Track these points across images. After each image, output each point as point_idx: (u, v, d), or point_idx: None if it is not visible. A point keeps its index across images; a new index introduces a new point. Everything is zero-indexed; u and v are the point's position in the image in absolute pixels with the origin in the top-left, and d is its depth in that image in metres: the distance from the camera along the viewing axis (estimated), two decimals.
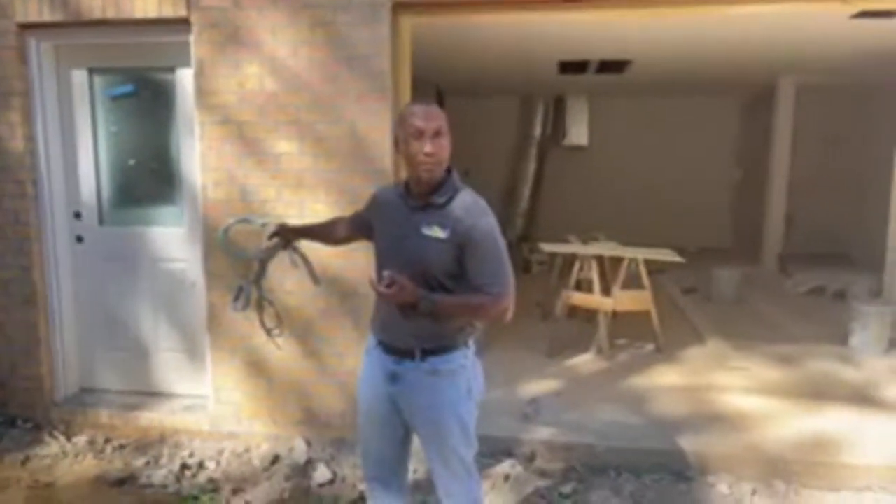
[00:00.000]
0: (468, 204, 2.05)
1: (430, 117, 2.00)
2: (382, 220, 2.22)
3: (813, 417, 3.91)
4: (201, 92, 3.58)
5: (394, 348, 2.16)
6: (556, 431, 3.68)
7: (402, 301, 1.99)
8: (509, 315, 2.07)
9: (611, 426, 3.77)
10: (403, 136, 2.04)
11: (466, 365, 2.17)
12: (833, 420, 3.87)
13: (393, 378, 2.17)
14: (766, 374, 4.69)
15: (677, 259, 5.42)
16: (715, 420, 3.87)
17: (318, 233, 2.69)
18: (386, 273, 1.99)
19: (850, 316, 5.31)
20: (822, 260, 8.47)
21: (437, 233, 2.01)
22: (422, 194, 2.08)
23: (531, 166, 10.26)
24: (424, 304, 1.98)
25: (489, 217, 2.05)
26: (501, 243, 2.06)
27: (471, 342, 2.21)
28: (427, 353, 2.10)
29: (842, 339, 5.34)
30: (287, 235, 2.69)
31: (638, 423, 3.83)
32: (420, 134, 1.99)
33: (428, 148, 1.98)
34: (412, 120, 2.01)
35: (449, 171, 2.09)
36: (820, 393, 4.31)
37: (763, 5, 3.36)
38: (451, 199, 2.05)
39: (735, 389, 4.37)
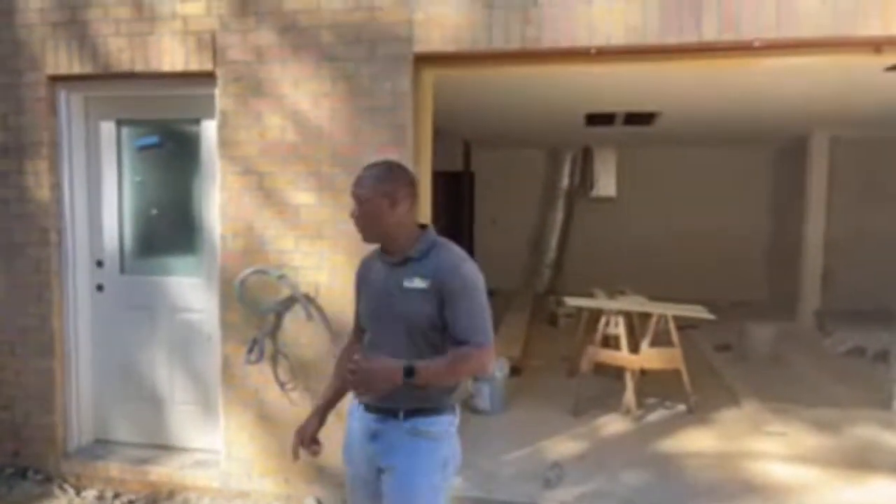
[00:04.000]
0: (447, 252, 2.06)
1: (356, 184, 2.06)
2: (367, 282, 2.19)
3: (855, 489, 3.68)
4: (224, 143, 3.59)
5: (376, 408, 2.08)
6: (580, 499, 3.50)
7: (379, 386, 1.89)
8: (490, 368, 2.05)
9: (638, 493, 3.57)
10: None
11: (451, 432, 2.09)
12: (877, 492, 3.64)
13: (373, 436, 2.09)
14: (805, 440, 4.44)
15: (708, 316, 5.24)
16: (750, 490, 3.65)
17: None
18: (355, 357, 1.90)
19: (893, 379, 5.03)
20: (862, 317, 8.12)
21: (418, 284, 1.99)
22: (396, 251, 2.07)
23: (559, 217, 10.19)
24: (407, 379, 1.88)
25: (469, 263, 2.03)
26: (483, 291, 2.02)
27: (457, 408, 2.13)
28: (411, 412, 2.03)
29: (884, 403, 5.06)
30: (324, 417, 2.32)
31: (667, 491, 3.62)
32: (354, 197, 2.06)
33: (354, 212, 2.05)
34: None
35: (424, 226, 2.10)
36: (863, 462, 4.05)
37: (792, 58, 3.28)
38: (428, 250, 2.05)
39: (772, 456, 4.13)
